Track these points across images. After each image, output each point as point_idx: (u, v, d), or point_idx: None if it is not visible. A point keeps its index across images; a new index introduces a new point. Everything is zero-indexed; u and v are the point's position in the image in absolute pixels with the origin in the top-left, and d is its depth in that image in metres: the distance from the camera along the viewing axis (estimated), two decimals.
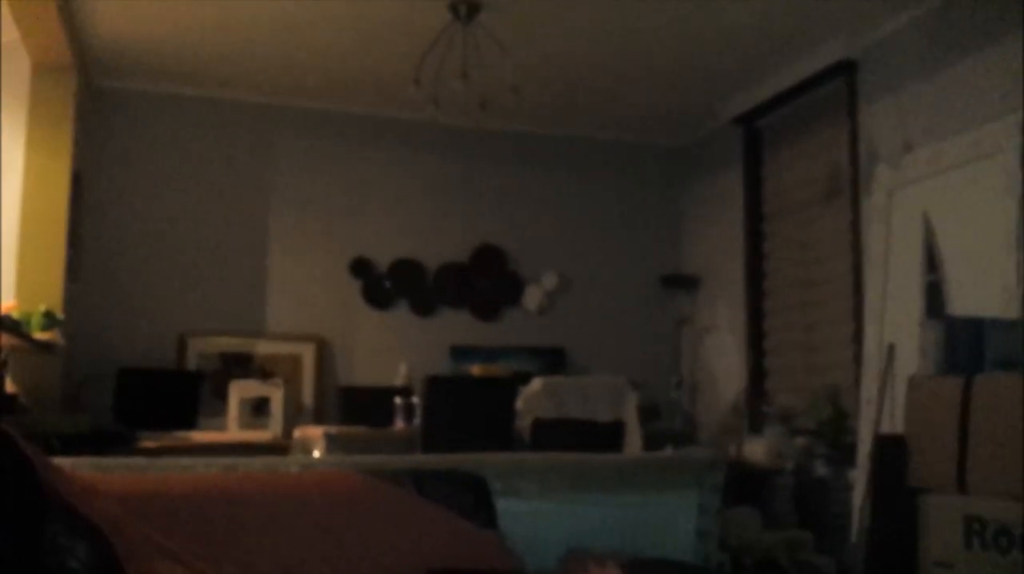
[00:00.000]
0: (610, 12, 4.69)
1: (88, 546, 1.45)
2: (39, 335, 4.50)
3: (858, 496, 4.26)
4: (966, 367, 3.06)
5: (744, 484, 4.62)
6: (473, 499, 2.14)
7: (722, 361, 6.16)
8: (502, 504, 2.18)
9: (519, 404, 4.60)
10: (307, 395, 5.87)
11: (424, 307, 6.25)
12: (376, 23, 4.85)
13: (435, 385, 4.34)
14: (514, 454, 3.80)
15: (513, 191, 6.52)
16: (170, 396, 5.24)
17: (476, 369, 5.24)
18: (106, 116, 5.70)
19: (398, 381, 5.14)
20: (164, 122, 5.87)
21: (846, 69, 5.00)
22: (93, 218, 5.54)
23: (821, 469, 4.86)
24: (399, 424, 4.50)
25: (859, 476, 4.32)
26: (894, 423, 4.10)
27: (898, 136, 4.59)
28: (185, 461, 2.26)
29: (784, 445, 5.02)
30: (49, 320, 4.54)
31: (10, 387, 4.54)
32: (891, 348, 4.29)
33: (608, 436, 4.45)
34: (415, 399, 4.55)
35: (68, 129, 5.07)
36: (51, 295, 4.80)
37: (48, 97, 5.03)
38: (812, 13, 4.67)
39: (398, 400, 4.56)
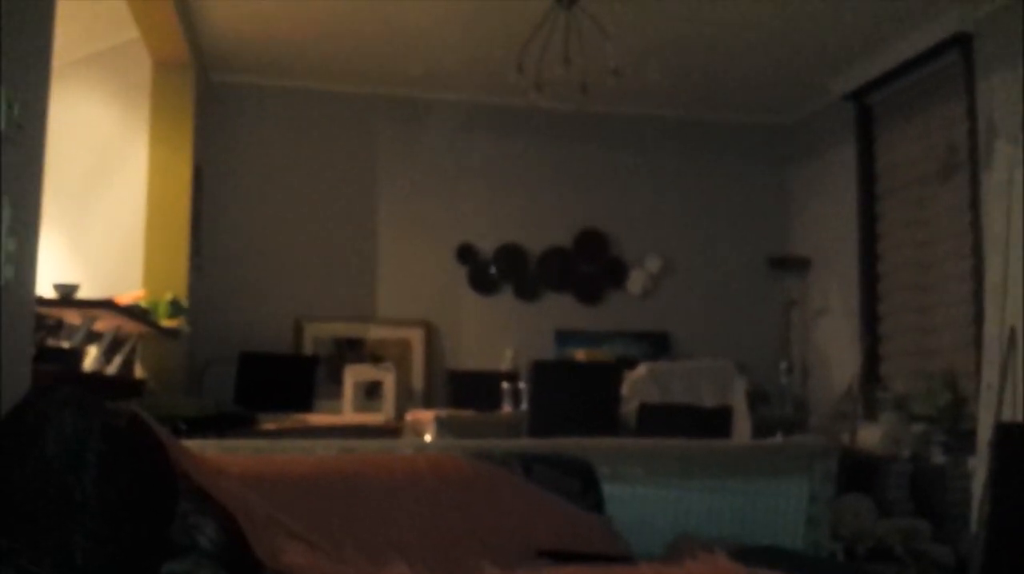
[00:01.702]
0: None
1: (216, 524, 1.53)
2: (166, 322, 4.72)
3: (978, 485, 4.12)
4: None
5: (858, 471, 4.52)
6: (580, 484, 2.17)
7: (834, 345, 6.02)
8: (608, 489, 2.20)
9: (624, 389, 4.61)
10: (416, 379, 6.00)
11: (528, 292, 6.30)
12: (477, 11, 4.90)
13: (541, 370, 4.39)
14: (621, 439, 3.81)
15: (615, 174, 6.49)
16: (288, 379, 5.42)
17: (580, 354, 5.27)
18: (221, 110, 5.92)
19: (504, 365, 5.22)
20: (275, 115, 6.06)
21: (961, 42, 4.80)
22: (213, 209, 5.77)
23: (938, 457, 4.71)
24: (506, 408, 4.57)
25: (979, 464, 4.18)
26: (1016, 409, 3.94)
27: (1018, 111, 4.39)
28: (305, 443, 2.35)
29: (900, 432, 4.88)
30: (175, 308, 4.76)
31: (139, 372, 4.78)
32: (1013, 331, 4.12)
33: (715, 421, 4.41)
34: (522, 384, 4.61)
35: (188, 123, 5.29)
36: (176, 284, 5.03)
37: (168, 93, 5.24)
38: None
39: (505, 385, 4.63)
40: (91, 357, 4.16)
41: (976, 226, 4.73)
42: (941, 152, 5.15)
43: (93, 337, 4.17)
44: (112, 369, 4.38)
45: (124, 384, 4.26)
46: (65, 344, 3.79)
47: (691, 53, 5.47)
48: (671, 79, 5.93)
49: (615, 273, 6.43)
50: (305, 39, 5.36)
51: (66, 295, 3.80)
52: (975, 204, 4.75)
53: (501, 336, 5.98)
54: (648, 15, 4.89)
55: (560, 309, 6.34)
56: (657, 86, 6.03)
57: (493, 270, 6.25)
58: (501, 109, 6.26)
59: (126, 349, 4.57)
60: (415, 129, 6.26)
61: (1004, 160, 4.39)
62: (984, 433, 4.16)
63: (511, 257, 6.28)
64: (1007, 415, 3.99)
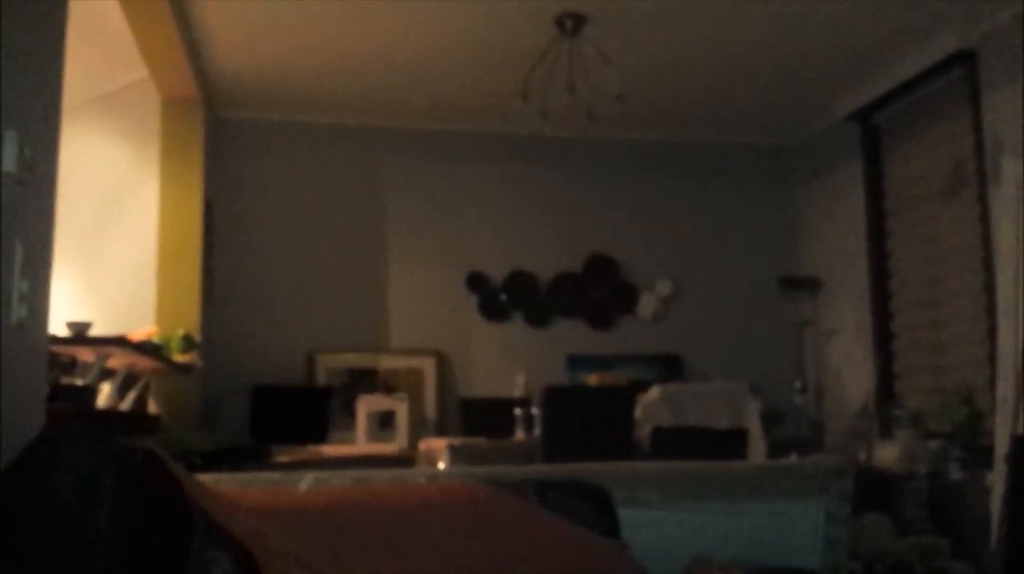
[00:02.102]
0: (716, 14, 4.65)
1: (232, 558, 1.53)
2: (178, 358, 4.75)
3: (996, 500, 4.09)
4: None
5: (875, 490, 4.49)
6: (595, 509, 2.16)
7: (848, 364, 6.00)
8: (623, 513, 2.19)
9: (637, 413, 4.60)
10: (429, 408, 6.00)
11: (539, 318, 6.31)
12: (482, 41, 4.94)
13: (554, 396, 4.38)
14: (635, 463, 3.80)
15: (623, 199, 6.52)
16: (302, 411, 5.43)
17: (593, 378, 5.26)
18: (231, 145, 5.98)
19: (517, 392, 5.21)
20: (284, 149, 6.12)
21: (965, 59, 4.82)
22: (224, 244, 5.81)
23: (956, 473, 4.67)
24: (519, 434, 4.56)
25: (997, 479, 4.15)
26: None
27: (1023, 125, 4.40)
28: (319, 474, 2.35)
29: (917, 449, 4.85)
30: (187, 343, 4.79)
31: (152, 408, 4.80)
32: None
33: (729, 443, 4.40)
34: (534, 410, 4.60)
35: (198, 160, 5.34)
36: (189, 319, 5.06)
37: (178, 130, 5.31)
38: (926, 4, 4.53)
39: (518, 411, 4.63)
40: (104, 394, 4.18)
41: (986, 241, 4.72)
42: (948, 168, 5.15)
43: (106, 374, 4.19)
44: (125, 405, 4.40)
45: (138, 420, 4.28)
46: (79, 382, 3.81)
47: (695, 77, 5.50)
48: (675, 103, 5.96)
49: (625, 297, 6.43)
50: (311, 74, 5.42)
51: (79, 333, 3.83)
52: (984, 219, 4.74)
53: (513, 363, 5.98)
54: (651, 40, 4.93)
55: (571, 334, 6.34)
56: (662, 110, 6.06)
57: (503, 297, 6.26)
58: (507, 137, 6.29)
59: (139, 385, 4.59)
60: (422, 159, 6.30)
61: (1011, 174, 4.39)
62: (1001, 448, 4.14)
63: (521, 284, 6.29)
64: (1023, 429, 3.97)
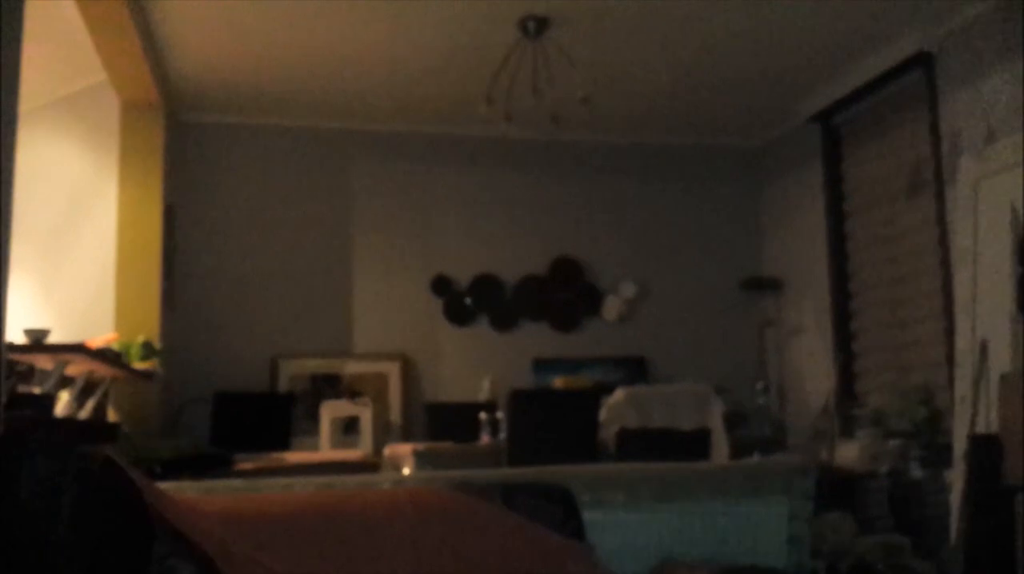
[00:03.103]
0: (679, 17, 4.68)
1: (193, 565, 1.51)
2: (138, 365, 4.69)
3: (956, 498, 4.15)
4: None
5: (837, 489, 4.54)
6: (562, 512, 2.16)
7: (810, 364, 6.06)
8: (589, 516, 2.20)
9: (603, 415, 4.61)
10: (394, 413, 5.97)
11: (505, 322, 6.31)
12: (446, 45, 4.94)
13: (519, 399, 4.38)
14: (600, 465, 3.81)
15: (588, 202, 6.54)
16: (265, 418, 5.38)
17: (558, 381, 5.27)
18: (192, 149, 5.91)
19: (482, 396, 5.20)
20: (247, 152, 6.06)
21: (923, 61, 4.90)
22: (185, 248, 5.74)
23: (917, 471, 4.74)
24: (485, 439, 4.55)
25: (956, 478, 4.21)
26: (990, 422, 3.98)
27: (981, 126, 4.48)
28: (283, 481, 2.33)
29: (878, 448, 4.91)
30: (147, 350, 4.73)
31: (112, 416, 4.73)
32: (984, 344, 4.17)
33: (694, 444, 4.42)
34: (499, 414, 4.60)
35: (158, 163, 5.28)
36: (149, 325, 5.00)
37: (137, 133, 5.24)
38: (885, 7, 4.60)
39: (483, 415, 4.62)
40: (63, 402, 4.11)
41: (944, 241, 4.79)
42: (907, 169, 5.23)
43: (65, 382, 4.13)
44: (85, 414, 4.33)
45: (97, 428, 4.21)
46: (37, 390, 3.75)
47: (659, 79, 5.54)
48: (639, 106, 6.00)
49: (590, 300, 6.45)
50: (274, 77, 5.38)
51: (37, 340, 3.77)
52: (942, 220, 4.81)
53: (478, 367, 5.97)
54: (614, 43, 4.95)
55: (537, 338, 6.34)
56: (626, 113, 6.09)
57: (469, 301, 6.25)
58: (473, 140, 6.29)
59: (99, 393, 4.52)
60: (387, 162, 6.27)
61: (968, 175, 4.47)
62: (960, 446, 4.20)
63: (486, 287, 6.29)
64: (981, 428, 4.03)
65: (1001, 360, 3.95)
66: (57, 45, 4.45)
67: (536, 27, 4.59)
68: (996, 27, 4.42)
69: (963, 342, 4.36)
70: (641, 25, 4.75)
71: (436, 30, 4.74)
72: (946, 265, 4.76)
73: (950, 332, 4.62)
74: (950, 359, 4.58)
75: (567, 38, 4.70)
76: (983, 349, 4.16)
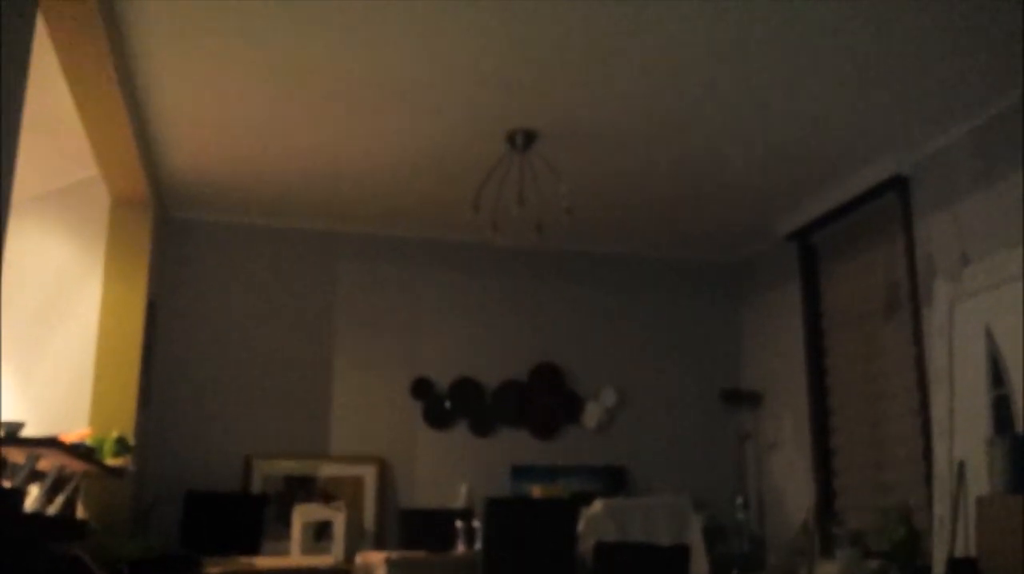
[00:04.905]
0: (662, 136, 4.82)
1: None
2: (111, 461, 4.61)
3: None
4: None
5: None
6: None
7: (789, 479, 6.03)
8: None
9: (581, 527, 4.55)
10: (368, 518, 5.86)
11: (484, 427, 6.27)
12: (434, 154, 5.04)
13: (495, 508, 4.32)
14: None
15: (570, 309, 6.59)
16: (236, 519, 5.28)
17: (536, 490, 5.21)
18: (178, 245, 5.95)
19: (459, 503, 5.14)
20: (232, 250, 6.10)
21: (898, 185, 5.04)
22: (165, 344, 5.72)
23: None
24: (460, 548, 4.48)
25: None
26: (969, 543, 3.96)
27: (955, 249, 4.58)
28: None
29: (857, 568, 4.85)
30: (121, 446, 4.66)
31: (81, 512, 4.63)
32: (961, 465, 4.18)
33: (672, 561, 4.36)
34: (476, 522, 4.53)
35: (144, 260, 5.30)
36: (124, 421, 4.93)
37: (126, 229, 5.26)
38: (861, 132, 4.75)
39: (459, 523, 4.55)
40: (32, 497, 4.02)
41: (921, 361, 4.84)
42: (883, 289, 5.31)
43: (36, 475, 4.05)
44: (54, 509, 4.23)
45: (66, 525, 4.10)
46: (6, 483, 3.67)
47: (642, 194, 5.66)
48: (623, 218, 6.11)
49: (570, 407, 6.43)
50: (263, 176, 5.46)
51: (11, 433, 3.71)
52: (919, 340, 4.87)
53: (455, 472, 5.91)
54: (599, 157, 5.07)
55: (516, 444, 6.30)
56: (609, 225, 6.20)
57: (448, 404, 6.23)
58: (457, 245, 6.37)
59: (69, 488, 4.43)
60: (372, 265, 6.33)
61: (943, 297, 4.55)
62: (939, 569, 4.16)
63: (467, 391, 6.27)
64: (960, 549, 4.00)
65: (979, 482, 3.94)
66: (51, 137, 4.51)
67: (524, 140, 4.71)
68: (969, 153, 4.57)
69: (940, 463, 4.37)
70: (625, 141, 4.88)
71: (427, 140, 4.85)
72: (923, 385, 4.79)
73: (928, 452, 4.62)
74: (928, 479, 4.57)
75: (553, 151, 4.82)
76: (960, 471, 4.17)
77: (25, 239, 4.95)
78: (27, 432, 3.82)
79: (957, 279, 4.49)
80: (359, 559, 4.56)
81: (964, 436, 4.25)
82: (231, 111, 4.56)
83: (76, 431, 4.46)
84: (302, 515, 5.11)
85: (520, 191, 4.76)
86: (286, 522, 5.22)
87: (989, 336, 4.19)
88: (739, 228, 6.31)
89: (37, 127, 3.83)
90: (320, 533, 5.16)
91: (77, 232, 5.25)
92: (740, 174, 5.32)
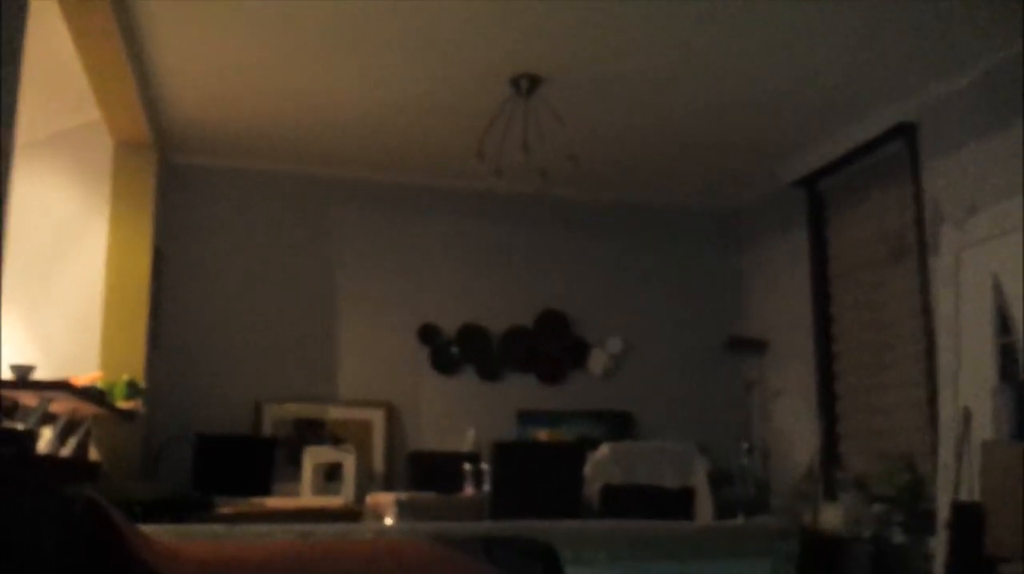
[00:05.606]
0: (665, 79, 4.76)
1: None
2: (122, 404, 4.65)
3: (939, 565, 4.14)
4: None
5: (820, 552, 4.52)
6: (543, 567, 2.15)
7: (794, 425, 6.07)
8: (571, 572, 2.19)
9: (587, 470, 4.59)
10: (377, 460, 5.93)
11: (490, 372, 6.30)
12: (438, 98, 5.00)
13: (503, 452, 4.36)
14: (583, 522, 3.79)
15: (575, 257, 6.58)
16: (246, 462, 5.33)
17: (543, 434, 5.25)
18: (181, 191, 5.93)
19: (466, 446, 5.17)
20: (236, 196, 6.08)
21: (906, 132, 4.99)
22: (172, 290, 5.74)
23: (900, 537, 4.72)
24: (468, 490, 4.52)
25: (939, 545, 4.21)
26: (973, 489, 3.99)
27: (963, 197, 4.55)
28: (262, 528, 2.32)
29: (861, 512, 4.90)
30: (132, 389, 4.70)
31: (93, 455, 4.69)
32: (967, 412, 4.20)
33: (678, 503, 4.41)
34: (484, 465, 4.57)
35: (149, 204, 5.29)
36: (134, 365, 4.97)
37: (129, 174, 5.25)
38: (869, 77, 4.69)
39: (467, 466, 4.59)
40: (45, 439, 4.07)
41: (926, 309, 4.83)
42: (890, 237, 5.29)
43: (48, 418, 4.10)
44: (66, 451, 4.29)
45: (78, 467, 4.17)
46: (19, 426, 3.72)
47: (646, 140, 5.61)
48: (627, 165, 6.07)
49: (576, 353, 6.46)
50: (266, 122, 5.43)
51: (22, 377, 3.75)
52: (925, 287, 4.86)
53: (463, 417, 5.95)
54: (604, 103, 5.03)
55: (522, 389, 6.34)
56: (612, 172, 6.16)
57: (455, 350, 6.25)
58: (461, 192, 6.34)
59: (81, 431, 4.48)
60: (376, 211, 6.31)
61: (950, 244, 4.53)
62: (943, 513, 4.20)
63: (473, 337, 6.29)
64: (964, 495, 4.04)
65: (985, 428, 3.96)
66: (52, 82, 4.48)
67: (528, 85, 4.66)
68: (977, 100, 4.51)
69: (946, 410, 4.38)
70: (629, 87, 4.83)
71: (429, 84, 4.81)
72: (929, 332, 4.80)
73: (933, 398, 4.64)
74: (933, 424, 4.59)
75: (557, 96, 4.77)
76: (966, 417, 4.18)
77: (29, 182, 4.94)
78: (38, 375, 3.86)
79: (964, 227, 4.46)
80: (369, 500, 4.61)
81: (969, 383, 4.26)
82: (231, 54, 4.51)
83: (87, 375, 4.50)
84: (313, 457, 5.16)
85: (524, 137, 4.72)
86: (296, 465, 5.28)
87: (996, 284, 4.17)
88: (744, 174, 6.26)
89: (37, 70, 3.80)
90: (330, 475, 5.21)
91: (81, 176, 5.24)
92: (745, 121, 5.27)
